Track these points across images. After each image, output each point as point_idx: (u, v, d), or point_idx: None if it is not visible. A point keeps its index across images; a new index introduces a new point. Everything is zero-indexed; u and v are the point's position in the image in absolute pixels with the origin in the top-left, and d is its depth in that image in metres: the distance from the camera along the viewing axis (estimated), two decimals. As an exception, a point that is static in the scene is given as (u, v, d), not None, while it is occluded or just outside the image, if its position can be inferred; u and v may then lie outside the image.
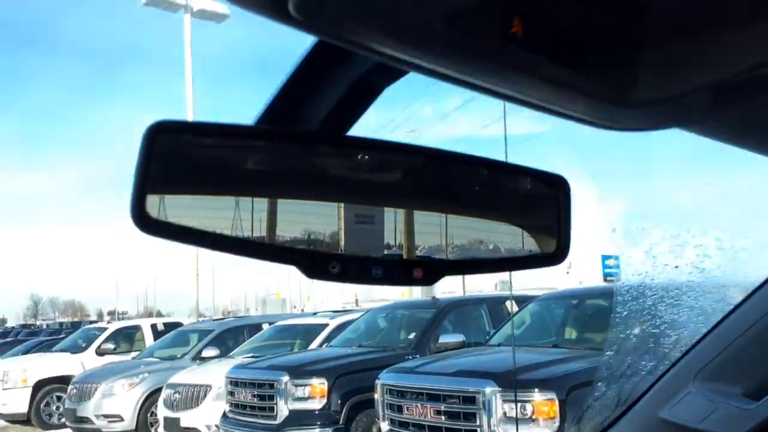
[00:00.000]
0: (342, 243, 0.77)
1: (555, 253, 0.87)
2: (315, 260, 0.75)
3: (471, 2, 0.55)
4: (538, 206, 0.91)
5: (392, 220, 0.81)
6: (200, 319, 18.75)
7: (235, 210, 0.74)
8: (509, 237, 0.89)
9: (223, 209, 0.73)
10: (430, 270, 0.80)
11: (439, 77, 0.66)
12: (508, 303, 9.04)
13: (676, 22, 0.68)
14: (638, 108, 0.73)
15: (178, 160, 0.75)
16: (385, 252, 0.79)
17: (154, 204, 0.70)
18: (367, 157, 0.81)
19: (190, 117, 20.98)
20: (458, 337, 8.05)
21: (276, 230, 0.76)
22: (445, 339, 8.06)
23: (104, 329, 15.43)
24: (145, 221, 0.70)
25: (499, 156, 0.90)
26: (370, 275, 0.76)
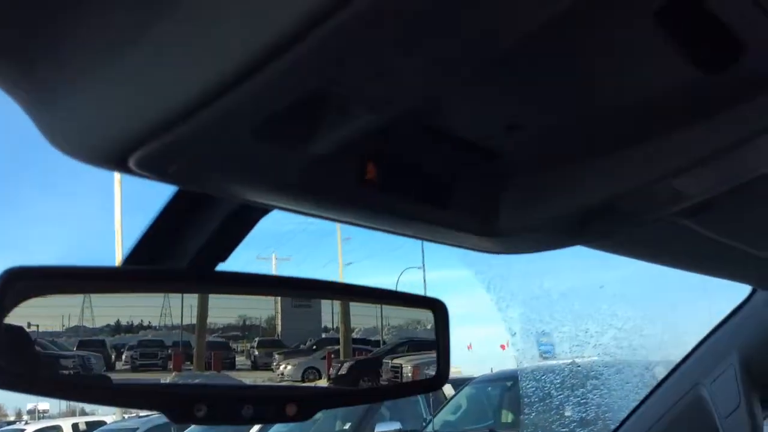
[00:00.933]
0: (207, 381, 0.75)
1: (435, 377, 0.86)
2: (179, 403, 0.71)
3: (323, 149, 0.54)
4: (418, 330, 0.90)
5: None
6: (125, 417, 17.83)
7: (101, 351, 0.71)
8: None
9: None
10: (304, 404, 0.76)
11: (304, 215, 0.65)
12: (444, 387, 8.95)
13: (532, 160, 0.71)
14: (507, 236, 0.74)
15: (35, 309, 0.70)
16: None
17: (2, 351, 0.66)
18: (236, 293, 0.79)
19: (117, 232, 20.39)
20: (394, 426, 7.88)
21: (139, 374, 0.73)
22: (381, 428, 7.87)
23: (22, 431, 14.52)
24: None
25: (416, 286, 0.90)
26: (239, 416, 0.71)
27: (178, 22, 0.40)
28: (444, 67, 0.44)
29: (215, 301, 0.77)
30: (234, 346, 0.81)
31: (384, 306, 0.89)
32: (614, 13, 0.51)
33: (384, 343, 0.87)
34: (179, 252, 0.77)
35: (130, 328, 0.76)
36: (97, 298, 0.72)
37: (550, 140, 0.68)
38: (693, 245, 1.04)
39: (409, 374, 0.90)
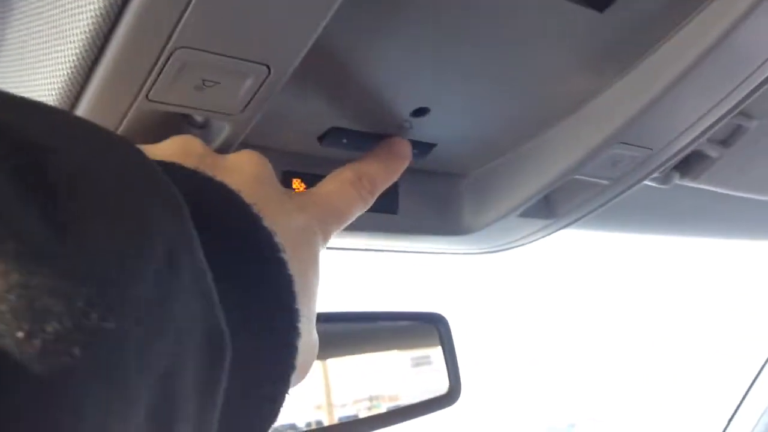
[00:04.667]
0: None
1: (448, 392, 0.85)
2: None
3: None
4: (425, 347, 0.89)
5: None
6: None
7: None
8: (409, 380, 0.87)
9: None
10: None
11: None
12: None
13: (472, 147, 0.65)
14: (477, 233, 0.70)
15: None
16: None
17: None
18: None
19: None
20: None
21: None
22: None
23: None
24: None
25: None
26: None
27: None
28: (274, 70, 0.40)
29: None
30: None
31: (387, 327, 0.89)
32: None
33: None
34: None
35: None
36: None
37: (480, 122, 0.61)
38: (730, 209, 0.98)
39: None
